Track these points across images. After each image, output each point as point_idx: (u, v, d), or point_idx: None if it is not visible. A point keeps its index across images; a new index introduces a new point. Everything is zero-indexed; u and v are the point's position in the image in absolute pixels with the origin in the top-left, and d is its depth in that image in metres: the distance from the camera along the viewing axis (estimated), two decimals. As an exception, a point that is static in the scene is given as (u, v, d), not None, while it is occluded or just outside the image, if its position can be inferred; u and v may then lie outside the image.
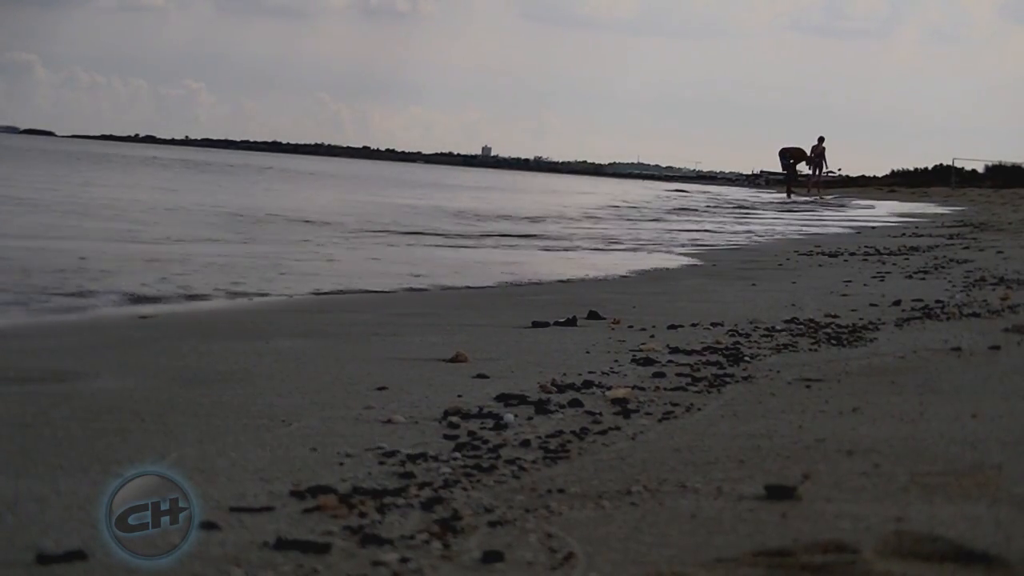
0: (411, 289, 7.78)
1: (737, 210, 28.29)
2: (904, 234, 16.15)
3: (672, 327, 5.42)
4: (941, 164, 56.13)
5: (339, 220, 15.96)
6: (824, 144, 40.21)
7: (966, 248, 12.36)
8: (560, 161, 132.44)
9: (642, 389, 3.79)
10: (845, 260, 10.70)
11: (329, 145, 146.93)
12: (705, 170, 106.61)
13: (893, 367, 4.16)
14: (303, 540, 2.13)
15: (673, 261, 11.33)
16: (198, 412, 3.30)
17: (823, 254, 11.54)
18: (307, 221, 15.49)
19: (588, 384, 3.83)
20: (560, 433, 3.10)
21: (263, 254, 9.97)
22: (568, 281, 8.75)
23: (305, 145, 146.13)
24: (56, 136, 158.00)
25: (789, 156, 41.02)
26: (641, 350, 4.66)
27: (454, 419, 3.26)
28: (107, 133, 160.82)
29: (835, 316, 5.79)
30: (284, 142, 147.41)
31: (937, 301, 6.42)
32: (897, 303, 6.37)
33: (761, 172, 69.56)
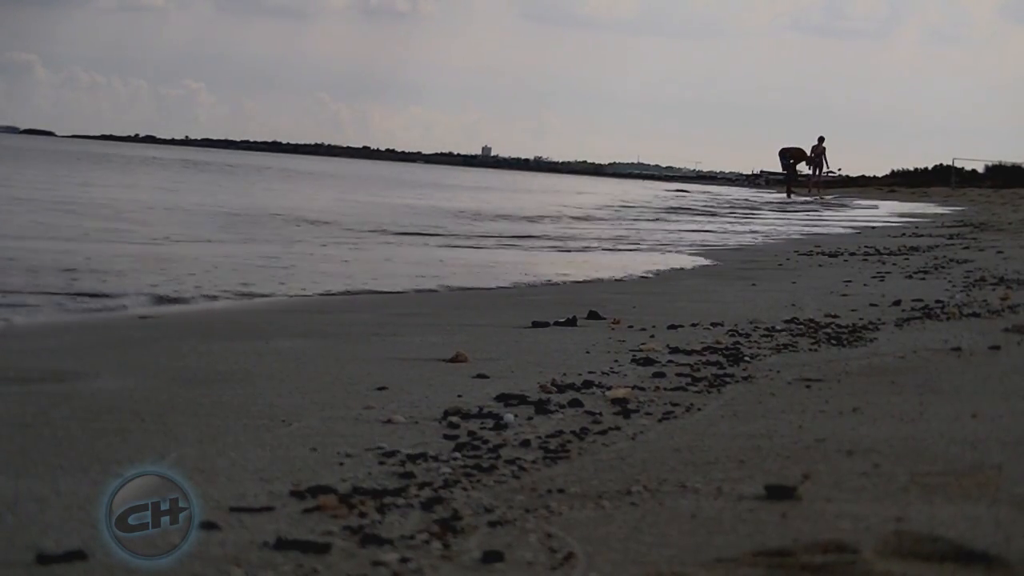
0: (414, 291, 7.78)
1: (738, 210, 28.30)
2: (904, 234, 16.16)
3: (672, 327, 5.42)
4: (941, 164, 56.21)
5: (338, 220, 15.96)
6: (824, 144, 40.23)
7: (966, 248, 12.37)
8: (560, 161, 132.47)
9: (642, 389, 3.79)
10: (845, 260, 10.70)
11: (329, 145, 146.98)
12: (705, 170, 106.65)
13: (893, 367, 4.16)
14: (303, 540, 2.13)
15: (673, 261, 11.33)
16: (198, 412, 3.30)
17: (823, 254, 11.54)
18: (307, 221, 15.49)
19: (588, 384, 3.83)
20: (560, 433, 3.09)
21: (263, 254, 9.97)
22: (568, 281, 8.75)
23: (305, 145, 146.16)
24: (56, 136, 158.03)
25: (789, 156, 41.03)
26: (641, 350, 4.66)
27: (454, 419, 3.26)
28: (107, 133, 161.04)
29: (835, 316, 5.79)
30: (284, 142, 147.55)
31: (937, 301, 6.43)
32: (897, 303, 6.37)
33: (761, 172, 69.54)
